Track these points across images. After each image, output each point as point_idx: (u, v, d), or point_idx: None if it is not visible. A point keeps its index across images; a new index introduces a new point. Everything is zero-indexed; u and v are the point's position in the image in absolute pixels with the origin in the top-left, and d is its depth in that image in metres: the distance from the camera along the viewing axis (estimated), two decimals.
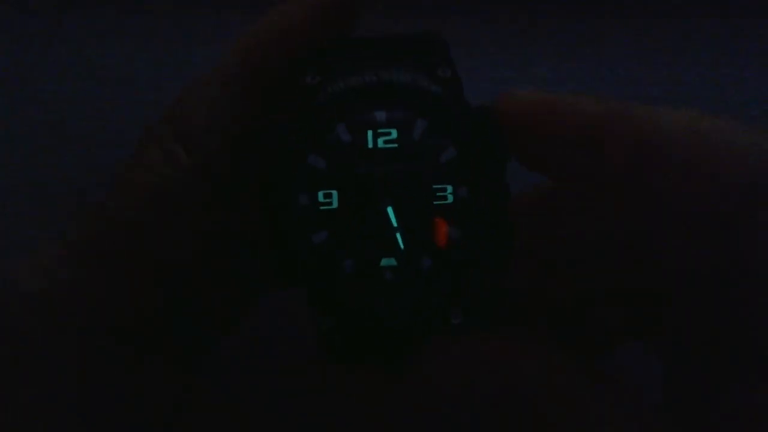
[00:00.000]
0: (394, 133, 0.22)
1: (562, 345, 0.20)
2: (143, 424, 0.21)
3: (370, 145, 0.22)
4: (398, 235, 0.22)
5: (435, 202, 0.22)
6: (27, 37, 0.35)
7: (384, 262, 0.22)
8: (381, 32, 0.23)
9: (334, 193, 0.22)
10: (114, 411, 0.20)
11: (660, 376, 0.22)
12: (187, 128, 0.22)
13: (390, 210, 0.22)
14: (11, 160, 0.34)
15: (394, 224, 0.22)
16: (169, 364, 0.21)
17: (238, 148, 0.22)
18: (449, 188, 0.22)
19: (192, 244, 0.21)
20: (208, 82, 0.22)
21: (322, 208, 0.22)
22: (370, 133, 0.22)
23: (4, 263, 0.21)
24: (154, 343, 0.21)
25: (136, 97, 0.34)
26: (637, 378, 0.31)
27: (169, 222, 0.21)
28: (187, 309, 0.22)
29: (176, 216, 0.21)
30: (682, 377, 0.21)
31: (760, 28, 0.35)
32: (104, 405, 0.20)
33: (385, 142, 0.22)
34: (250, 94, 0.22)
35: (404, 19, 0.35)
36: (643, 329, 0.24)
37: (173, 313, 0.21)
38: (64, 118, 0.34)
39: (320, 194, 0.22)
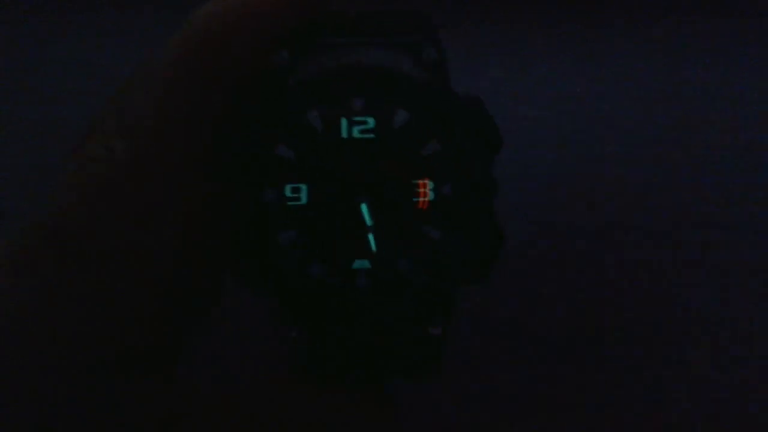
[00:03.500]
0: (371, 122, 0.20)
1: None
2: None
3: (345, 135, 0.20)
4: (370, 236, 0.20)
5: (414, 199, 0.20)
6: (27, 37, 0.35)
7: (356, 264, 0.20)
8: (361, 7, 0.21)
9: (303, 187, 0.20)
10: None
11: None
12: (130, 120, 0.19)
13: (364, 207, 0.20)
14: (11, 160, 0.34)
15: (368, 223, 0.20)
16: (144, 382, 0.19)
17: (196, 138, 0.19)
18: (431, 184, 0.20)
19: (140, 239, 0.19)
20: (158, 65, 0.20)
21: (289, 204, 0.20)
22: (344, 121, 0.20)
23: None
24: (127, 350, 0.19)
25: None
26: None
27: (112, 218, 0.19)
28: (149, 309, 0.19)
29: (120, 213, 0.19)
30: None
31: (760, 28, 0.35)
32: (75, 426, 0.18)
33: (361, 131, 0.20)
34: (208, 78, 0.20)
35: None
36: None
37: (126, 322, 0.19)
38: (64, 118, 0.34)
39: (288, 188, 0.20)
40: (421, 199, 0.20)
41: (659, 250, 0.33)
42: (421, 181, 0.20)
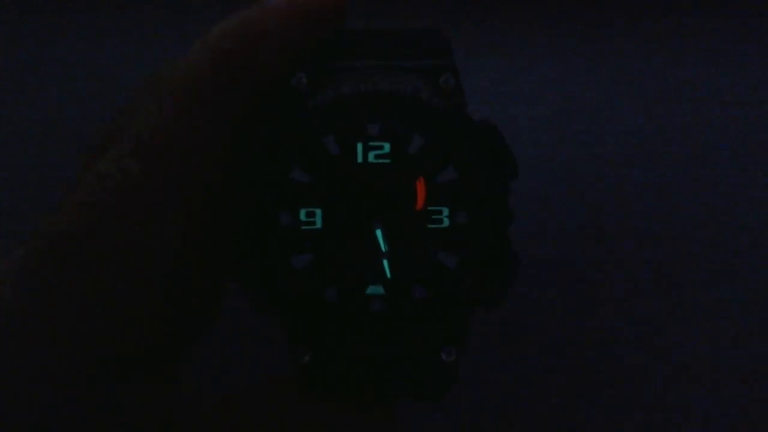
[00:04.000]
0: (387, 147, 0.20)
1: None
2: None
3: (360, 160, 0.20)
4: (385, 262, 0.19)
5: (429, 226, 0.20)
6: (27, 37, 0.35)
7: (370, 290, 0.20)
8: (378, 24, 0.21)
9: (318, 211, 0.20)
10: None
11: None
12: (144, 139, 0.19)
13: (379, 233, 0.20)
14: (11, 160, 0.34)
15: (383, 249, 0.19)
16: (150, 374, 0.20)
17: (212, 160, 0.20)
18: (445, 211, 0.20)
19: (150, 257, 0.19)
20: (173, 83, 0.20)
21: (304, 228, 0.20)
22: (360, 146, 0.20)
23: None
24: (129, 353, 0.19)
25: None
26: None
27: (120, 236, 0.19)
28: (146, 321, 0.20)
29: (128, 229, 0.19)
30: None
31: (760, 28, 0.35)
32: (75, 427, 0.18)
33: (377, 156, 0.20)
34: (224, 98, 0.19)
35: (403, 18, 0.35)
36: None
37: (132, 325, 0.19)
38: (64, 118, 0.34)
39: (303, 212, 0.20)
40: (436, 225, 0.20)
41: (659, 250, 0.33)
42: (436, 208, 0.20)
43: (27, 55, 0.35)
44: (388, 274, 0.20)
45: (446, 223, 0.20)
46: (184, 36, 0.35)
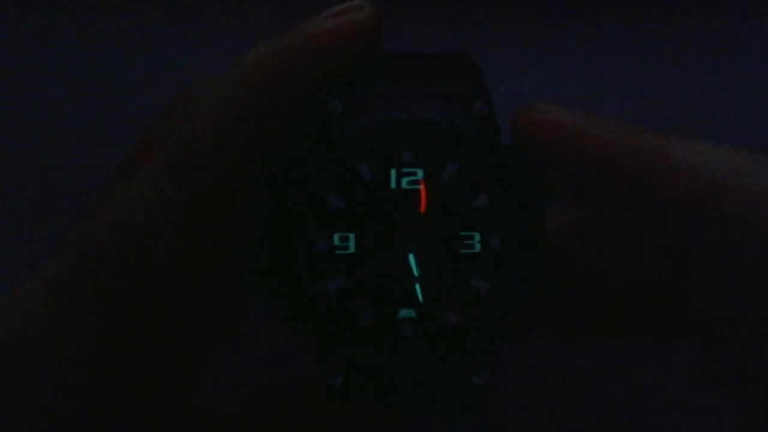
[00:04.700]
0: (420, 174, 0.20)
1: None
2: None
3: (394, 186, 0.20)
4: (417, 286, 0.20)
5: (462, 251, 0.20)
6: (27, 37, 0.35)
7: (402, 313, 0.20)
8: (408, 48, 0.21)
9: (351, 236, 0.20)
10: None
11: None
12: (180, 161, 0.19)
13: (411, 257, 0.20)
14: (10, 160, 0.34)
15: (415, 273, 0.20)
16: (158, 394, 0.20)
17: (243, 180, 0.20)
18: (477, 236, 0.20)
19: (181, 278, 0.19)
20: (208, 104, 0.20)
21: (338, 252, 0.20)
22: (394, 172, 0.20)
23: None
24: (141, 376, 0.20)
25: (136, 97, 0.34)
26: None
27: (153, 257, 0.19)
28: (173, 338, 0.20)
29: (162, 250, 0.19)
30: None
31: (760, 28, 0.35)
32: None
33: (410, 183, 0.20)
34: (260, 122, 0.19)
35: (404, 17, 0.35)
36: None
37: (160, 344, 0.20)
38: (64, 118, 0.34)
39: (336, 237, 0.20)
40: (468, 251, 0.20)
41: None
42: (468, 233, 0.20)
43: (27, 55, 0.35)
44: (421, 299, 0.20)
45: (478, 248, 0.20)
46: (184, 36, 0.35)
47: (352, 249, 0.20)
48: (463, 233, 0.20)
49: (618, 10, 0.36)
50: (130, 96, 0.34)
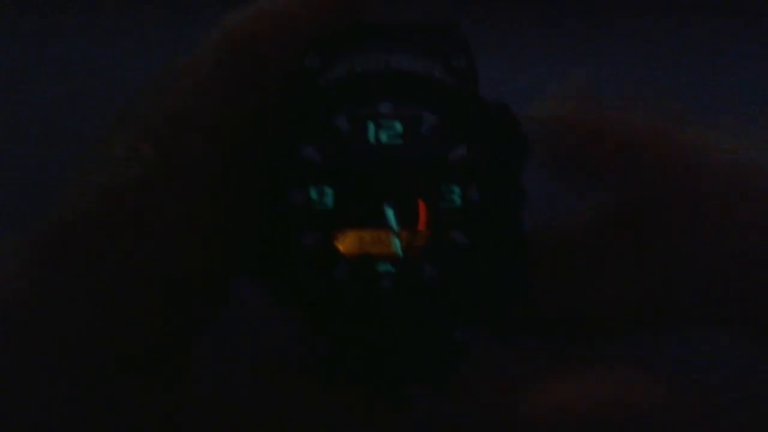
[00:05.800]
0: (399, 127, 0.20)
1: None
2: None
3: (372, 139, 0.20)
4: (396, 240, 0.20)
5: (441, 204, 0.20)
6: (27, 37, 0.35)
7: (381, 267, 0.20)
8: (391, 18, 0.21)
9: (329, 190, 0.20)
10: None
11: None
12: (157, 122, 0.19)
13: (390, 211, 0.20)
14: (11, 160, 0.34)
15: (394, 227, 0.20)
16: (152, 373, 0.20)
17: (223, 139, 0.20)
18: (457, 189, 0.20)
19: (163, 244, 0.19)
20: (188, 66, 0.20)
21: (314, 206, 0.20)
22: (371, 124, 0.20)
23: None
24: (131, 352, 0.19)
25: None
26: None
27: (135, 222, 0.19)
28: (161, 311, 0.20)
29: (144, 215, 0.19)
30: None
31: (760, 28, 0.35)
32: (76, 426, 0.18)
33: (389, 136, 0.20)
34: (238, 81, 0.20)
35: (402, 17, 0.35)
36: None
37: (147, 318, 0.19)
38: (64, 118, 0.34)
39: (313, 191, 0.20)
40: (448, 204, 0.20)
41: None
42: (447, 186, 0.20)
43: (27, 55, 0.35)
44: (400, 253, 0.20)
45: (458, 201, 0.20)
46: (184, 36, 0.35)
47: (329, 203, 0.20)
48: (442, 186, 0.20)
49: (618, 10, 0.36)
50: (130, 96, 0.34)
